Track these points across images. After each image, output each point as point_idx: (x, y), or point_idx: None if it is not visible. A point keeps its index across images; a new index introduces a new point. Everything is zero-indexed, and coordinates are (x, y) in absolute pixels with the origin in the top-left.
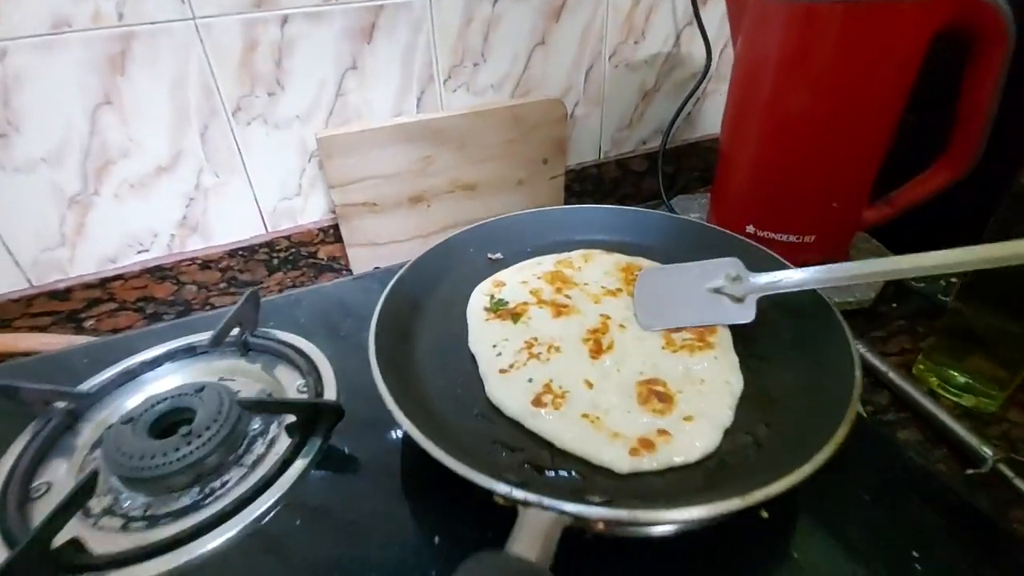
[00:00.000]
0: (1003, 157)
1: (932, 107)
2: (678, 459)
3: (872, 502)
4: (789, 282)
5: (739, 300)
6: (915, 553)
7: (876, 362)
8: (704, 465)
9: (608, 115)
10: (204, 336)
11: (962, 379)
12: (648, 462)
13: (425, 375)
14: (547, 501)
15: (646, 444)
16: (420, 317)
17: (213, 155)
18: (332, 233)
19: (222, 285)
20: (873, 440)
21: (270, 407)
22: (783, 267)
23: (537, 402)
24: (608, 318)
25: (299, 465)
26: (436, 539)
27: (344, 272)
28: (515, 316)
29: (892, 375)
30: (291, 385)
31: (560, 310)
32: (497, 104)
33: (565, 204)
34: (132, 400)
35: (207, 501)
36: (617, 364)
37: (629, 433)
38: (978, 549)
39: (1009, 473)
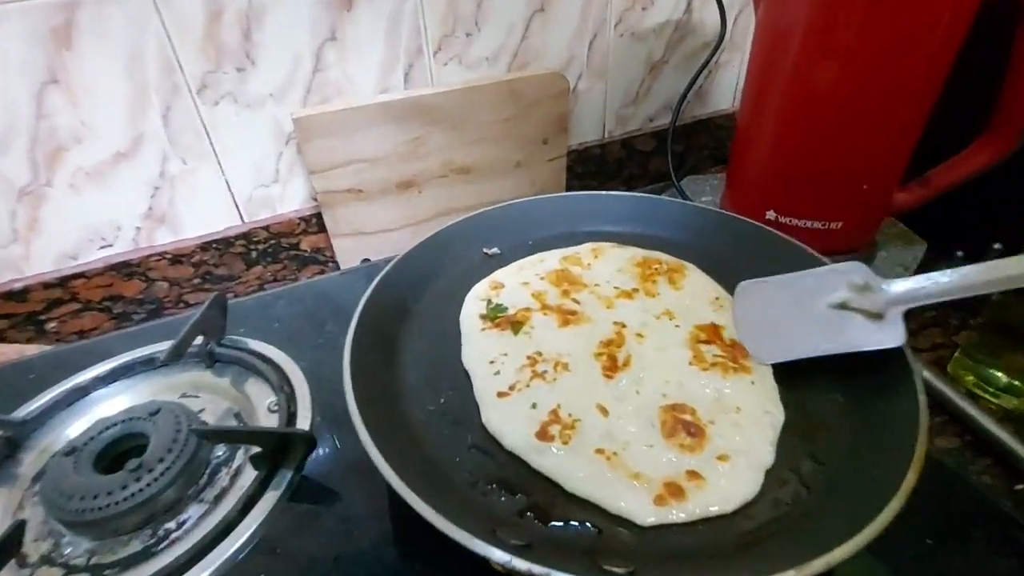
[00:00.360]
0: None
1: (977, 79)
2: (714, 509)
3: (934, 545)
4: (937, 289)
5: (875, 316)
6: None
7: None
8: (743, 513)
9: (613, 90)
10: (166, 346)
11: (1004, 379)
12: (676, 513)
13: (412, 398)
14: (555, 574)
15: (674, 490)
16: (407, 325)
17: (178, 139)
18: (315, 223)
19: (196, 281)
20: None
21: (230, 436)
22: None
23: (543, 434)
24: (623, 326)
25: (268, 500)
26: None
27: (329, 265)
28: (516, 325)
29: (926, 374)
30: (262, 403)
31: (568, 318)
32: (492, 78)
33: (567, 187)
34: (82, 422)
35: (161, 546)
36: (636, 384)
37: (653, 474)
38: None
39: None
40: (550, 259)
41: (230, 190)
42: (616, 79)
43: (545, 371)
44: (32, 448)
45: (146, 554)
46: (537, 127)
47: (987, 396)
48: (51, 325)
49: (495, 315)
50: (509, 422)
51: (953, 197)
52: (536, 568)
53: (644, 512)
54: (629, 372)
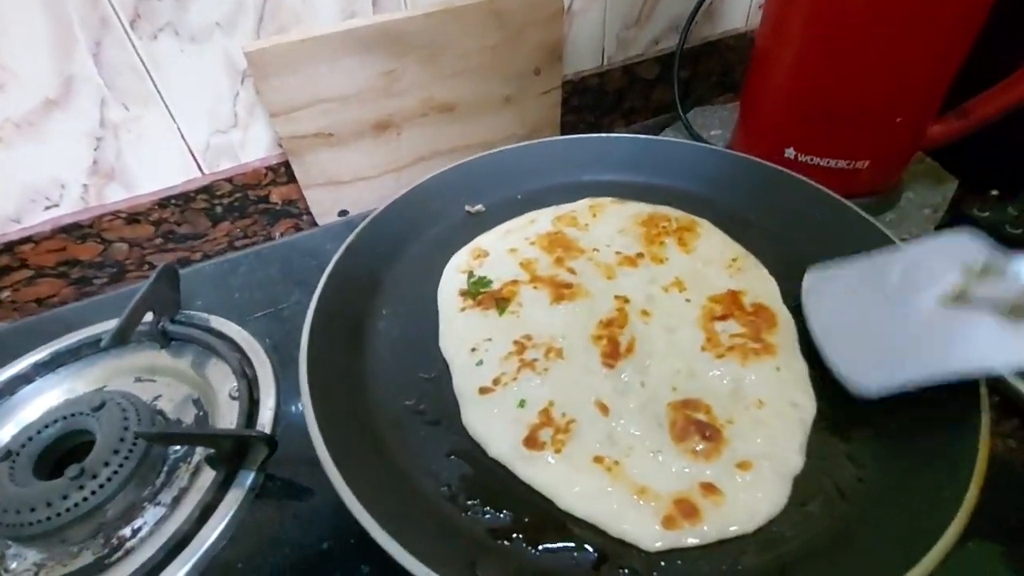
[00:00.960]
0: None
1: None
2: (734, 529)
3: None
4: None
5: (1013, 312)
6: None
7: None
8: (768, 531)
9: (612, 9)
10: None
11: None
12: (688, 536)
13: (382, 392)
14: None
15: (686, 509)
16: (377, 302)
17: (115, 81)
18: (284, 172)
19: (158, 241)
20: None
21: (179, 439)
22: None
23: (532, 441)
24: (626, 302)
25: (230, 503)
26: None
27: (304, 218)
28: (501, 303)
29: None
30: (223, 388)
31: (562, 292)
32: None
33: (561, 124)
34: (23, 414)
35: (114, 557)
36: (640, 374)
37: (661, 489)
38: None
39: None
40: (542, 219)
41: (183, 138)
42: None
43: (535, 359)
44: None
45: (98, 566)
46: (527, 55)
47: None
48: (5, 294)
49: (477, 291)
50: (493, 425)
51: (988, 131)
52: None
53: (651, 536)
54: (633, 360)
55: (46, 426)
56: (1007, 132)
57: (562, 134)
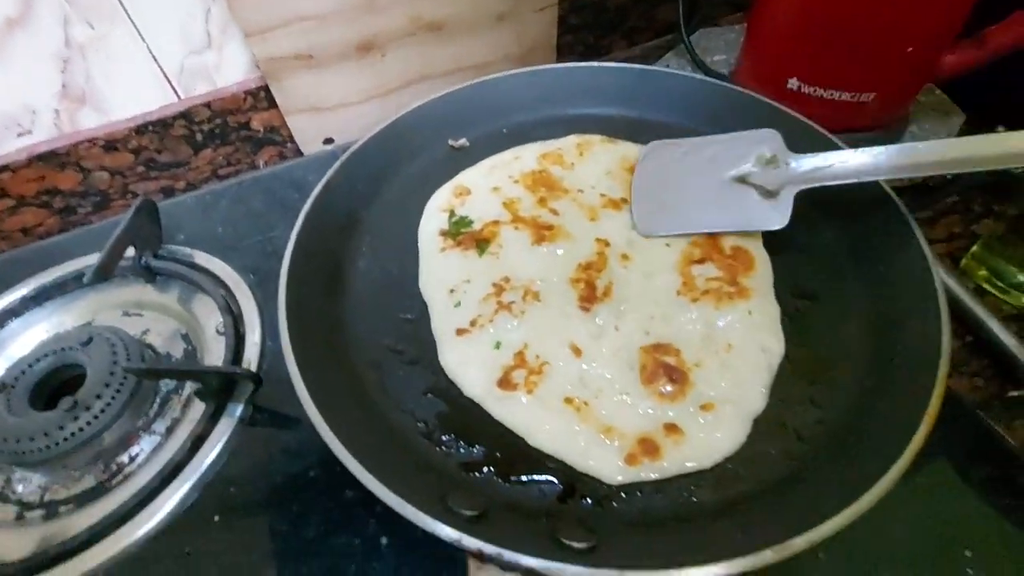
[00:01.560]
0: None
1: None
2: (690, 465)
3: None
4: (842, 169)
5: (771, 194)
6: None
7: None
8: (726, 469)
9: None
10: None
11: (1019, 275)
12: (648, 471)
13: (362, 332)
14: (507, 555)
15: (648, 447)
16: (357, 240)
17: None
18: (265, 97)
19: (140, 169)
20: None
21: (167, 374)
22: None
23: (506, 382)
24: (607, 245)
25: (220, 432)
26: (383, 540)
27: (288, 145)
28: (481, 244)
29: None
30: (210, 324)
31: (543, 233)
32: None
33: (558, 44)
34: (12, 348)
35: (114, 481)
36: (616, 318)
37: (627, 428)
38: None
39: None
40: (527, 156)
41: (155, 59)
42: None
43: (512, 302)
44: None
45: (101, 489)
46: None
47: (995, 292)
48: None
49: (458, 231)
50: (469, 366)
51: (1000, 64)
52: (488, 548)
53: (613, 471)
54: (609, 304)
55: (37, 360)
56: (1018, 66)
57: (559, 55)
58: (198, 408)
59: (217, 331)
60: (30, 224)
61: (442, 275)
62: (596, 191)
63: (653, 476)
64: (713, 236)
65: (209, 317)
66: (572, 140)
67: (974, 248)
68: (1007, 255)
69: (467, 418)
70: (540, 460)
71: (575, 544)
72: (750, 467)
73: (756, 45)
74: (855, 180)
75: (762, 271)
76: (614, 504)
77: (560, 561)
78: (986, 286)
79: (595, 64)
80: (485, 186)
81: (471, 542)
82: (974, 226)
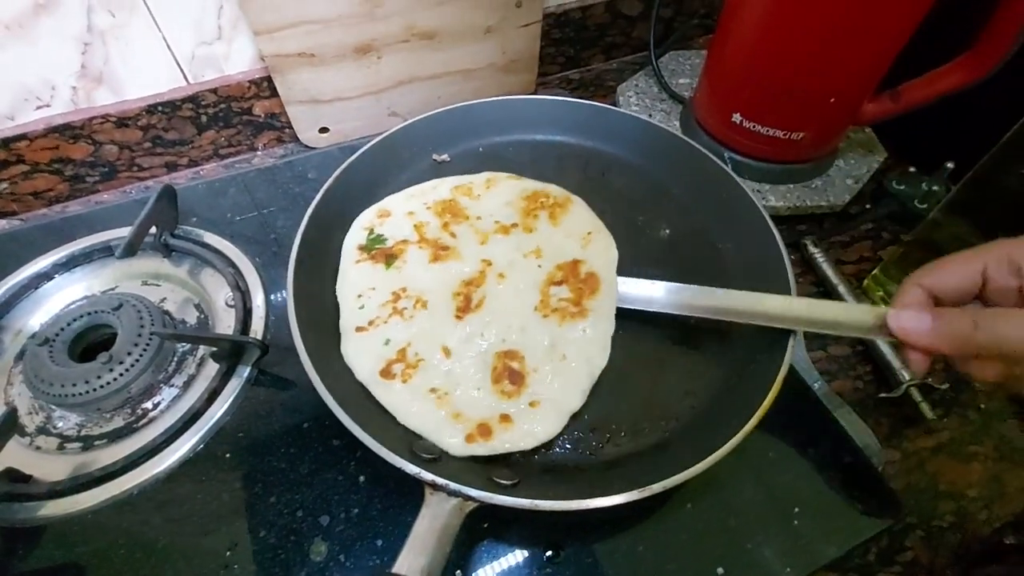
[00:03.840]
0: None
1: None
2: (507, 446)
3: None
4: (626, 296)
5: None
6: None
7: (829, 273)
8: (610, 438)
9: None
10: (124, 232)
11: None
12: (480, 448)
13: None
14: (452, 486)
15: (483, 430)
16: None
17: None
18: (267, 87)
19: (147, 145)
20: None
21: (189, 339)
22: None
23: (386, 372)
24: (489, 264)
25: (231, 388)
26: (361, 478)
27: (286, 131)
28: (389, 258)
29: (842, 288)
30: (219, 296)
31: (439, 253)
32: None
33: (540, 56)
34: (48, 306)
35: (141, 423)
36: (483, 327)
37: (472, 415)
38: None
39: (918, 397)
40: (442, 187)
41: (169, 48)
42: None
43: (405, 308)
44: (7, 329)
45: (129, 429)
46: None
47: None
48: (3, 187)
49: (372, 247)
50: (361, 356)
51: (923, 111)
52: (439, 480)
53: (458, 446)
54: (479, 315)
55: (74, 319)
56: (936, 114)
57: (541, 65)
58: (211, 367)
59: (226, 303)
60: (41, 189)
61: (354, 282)
62: (492, 219)
63: (483, 452)
64: (576, 261)
65: (218, 290)
66: (483, 176)
67: (875, 271)
68: (899, 278)
69: None
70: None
71: (503, 481)
72: (633, 437)
73: (709, 79)
74: (642, 308)
75: (605, 294)
76: (534, 456)
77: (490, 492)
78: (881, 304)
79: (559, 99)
80: (403, 210)
81: (427, 476)
82: (881, 252)
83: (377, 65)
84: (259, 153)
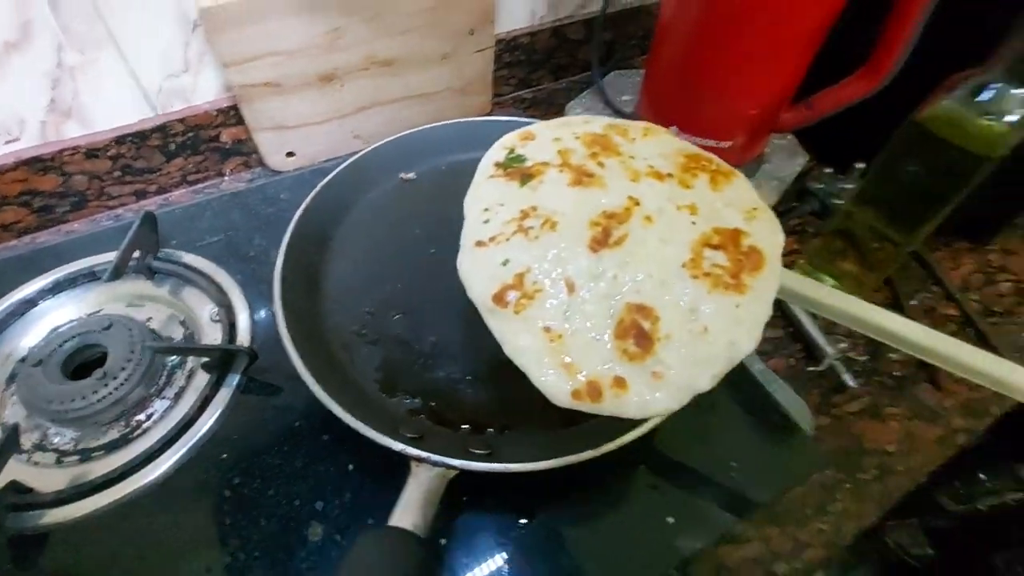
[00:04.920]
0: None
1: (866, 16)
2: (614, 410)
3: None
4: None
5: None
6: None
7: None
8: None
9: None
10: (104, 258)
11: (831, 281)
12: (584, 406)
13: (335, 323)
14: (434, 458)
15: (593, 391)
16: (328, 253)
17: (70, 26)
18: (234, 115)
19: (116, 174)
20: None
21: (181, 351)
22: None
23: (499, 298)
24: (637, 203)
25: (222, 396)
26: (350, 466)
27: (253, 156)
28: (526, 177)
29: None
30: (203, 312)
31: (582, 179)
32: None
33: (494, 78)
34: (37, 330)
35: (135, 435)
36: (618, 267)
37: (585, 368)
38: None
39: (841, 369)
40: (595, 123)
41: (138, 81)
42: None
43: (531, 227)
44: None
45: (124, 440)
46: (462, 17)
47: None
48: None
49: (510, 164)
50: (475, 274)
51: (835, 117)
52: (423, 454)
53: (560, 397)
54: (618, 252)
55: (66, 341)
56: (847, 120)
57: (496, 86)
58: (201, 378)
59: (212, 318)
60: (9, 221)
61: (482, 196)
62: (646, 162)
63: (585, 410)
64: (738, 231)
65: (203, 307)
66: (641, 124)
67: (800, 261)
68: (820, 266)
69: (409, 381)
70: (460, 412)
71: (478, 451)
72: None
73: (647, 95)
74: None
75: (769, 276)
76: (504, 432)
77: (467, 460)
78: None
79: (503, 119)
80: (549, 136)
81: (412, 452)
82: (805, 245)
83: (340, 92)
84: (227, 178)
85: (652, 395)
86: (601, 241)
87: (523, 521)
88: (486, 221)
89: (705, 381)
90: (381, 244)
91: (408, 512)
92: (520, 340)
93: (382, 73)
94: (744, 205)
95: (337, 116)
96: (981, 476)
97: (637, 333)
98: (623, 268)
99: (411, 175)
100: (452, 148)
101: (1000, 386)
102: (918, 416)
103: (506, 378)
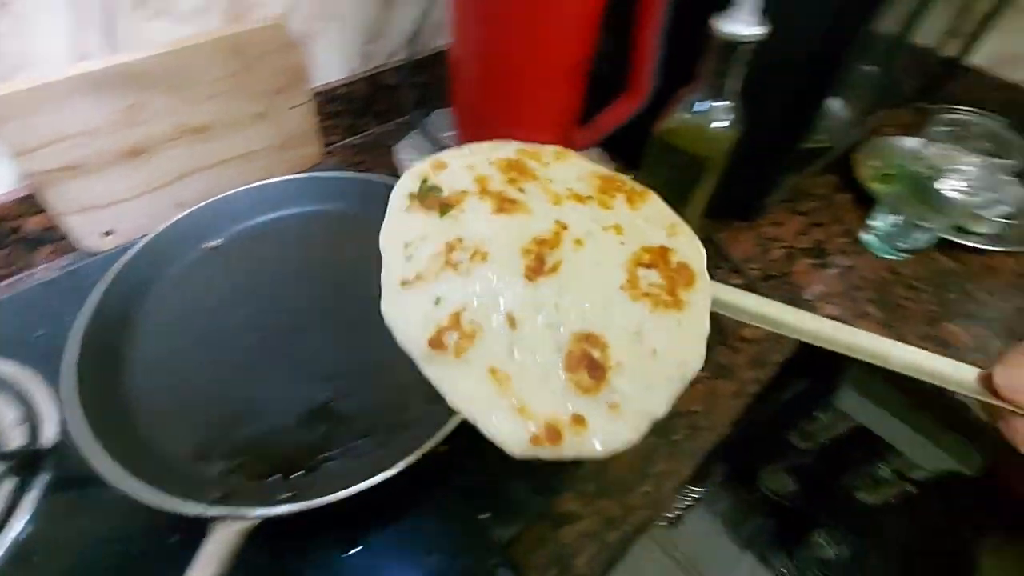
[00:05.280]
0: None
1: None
2: (572, 454)
3: None
4: None
5: None
6: None
7: None
8: None
9: (351, 29)
10: None
11: None
12: (544, 452)
13: (141, 398)
14: (236, 512)
15: (552, 434)
16: (132, 331)
17: None
18: (36, 202)
19: None
20: None
21: None
22: None
23: (437, 342)
24: (564, 228)
25: (31, 500)
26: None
27: (63, 241)
28: (445, 207)
29: None
30: (4, 416)
31: (505, 205)
32: (208, 35)
33: (321, 128)
34: None
35: None
36: (557, 295)
37: (540, 410)
38: None
39: None
40: (506, 148)
41: None
42: (352, 18)
43: (460, 261)
44: None
45: None
46: (269, 79)
47: None
48: None
49: (426, 194)
50: (406, 319)
51: (625, 131)
52: (222, 511)
53: (518, 446)
54: (555, 279)
55: None
56: (636, 133)
57: (325, 138)
58: (6, 487)
59: (13, 422)
60: None
61: (401, 230)
62: (565, 185)
63: (547, 456)
64: (665, 248)
65: (3, 411)
66: (552, 148)
67: None
68: None
69: (223, 444)
70: (272, 462)
71: (282, 496)
72: (388, 434)
73: (458, 129)
74: (732, 316)
75: (702, 290)
76: (320, 468)
77: (268, 507)
78: None
79: (300, 176)
80: (462, 164)
81: (192, 510)
82: None
83: (150, 165)
84: (40, 267)
85: (612, 428)
86: (536, 269)
87: (352, 552)
88: (408, 257)
89: (662, 406)
90: (188, 315)
91: (202, 572)
92: (465, 387)
93: (196, 140)
94: (663, 222)
95: (152, 188)
96: (817, 415)
97: (589, 363)
98: (562, 295)
99: (216, 242)
100: (251, 212)
101: (934, 377)
102: (717, 375)
103: (324, 417)
